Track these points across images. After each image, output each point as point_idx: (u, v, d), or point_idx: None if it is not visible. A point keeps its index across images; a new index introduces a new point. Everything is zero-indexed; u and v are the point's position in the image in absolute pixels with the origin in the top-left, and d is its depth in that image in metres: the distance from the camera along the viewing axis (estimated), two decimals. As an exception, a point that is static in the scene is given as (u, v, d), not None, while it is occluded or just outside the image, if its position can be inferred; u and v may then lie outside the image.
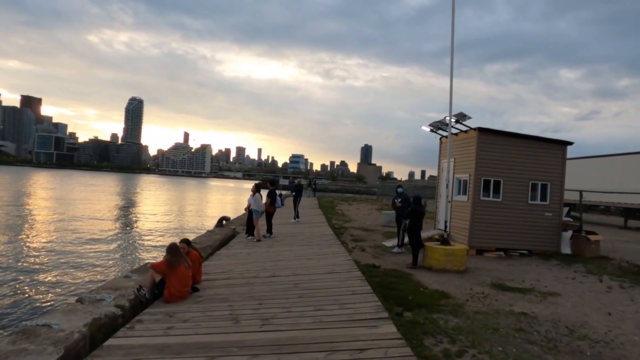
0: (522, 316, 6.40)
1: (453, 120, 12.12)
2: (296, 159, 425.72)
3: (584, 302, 7.49)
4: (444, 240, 10.04)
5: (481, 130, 12.04)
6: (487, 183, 12.11)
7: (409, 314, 6.17)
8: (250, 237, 13.20)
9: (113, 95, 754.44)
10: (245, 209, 13.65)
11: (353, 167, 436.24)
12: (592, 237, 12.13)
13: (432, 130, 14.13)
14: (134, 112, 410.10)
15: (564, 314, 6.64)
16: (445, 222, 10.38)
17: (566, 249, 12.40)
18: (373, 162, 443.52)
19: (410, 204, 12.07)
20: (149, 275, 6.50)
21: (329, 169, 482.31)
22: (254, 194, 12.88)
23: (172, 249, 6.59)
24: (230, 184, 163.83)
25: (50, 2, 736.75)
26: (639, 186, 23.38)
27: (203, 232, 15.12)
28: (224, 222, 15.99)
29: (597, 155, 26.12)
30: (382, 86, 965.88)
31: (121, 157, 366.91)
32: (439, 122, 13.01)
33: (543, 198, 12.33)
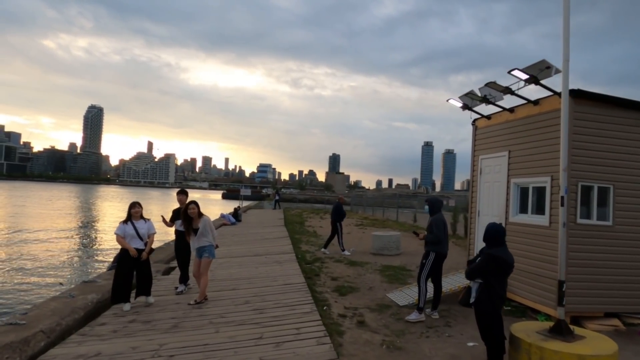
0: None
1: (523, 77, 6.55)
2: (264, 168, 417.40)
3: None
4: (560, 326, 4.33)
5: (578, 96, 6.51)
6: (586, 192, 6.60)
7: None
8: (149, 300, 7.05)
9: (71, 103, 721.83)
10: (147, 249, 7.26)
11: (321, 176, 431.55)
12: None
13: (465, 107, 8.54)
14: (93, 121, 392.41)
15: None
16: (561, 283, 4.61)
17: None
18: (341, 170, 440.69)
19: (444, 233, 6.48)
20: None
21: (297, 178, 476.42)
22: (196, 216, 7.00)
23: None
24: (196, 194, 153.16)
25: (0, 3, 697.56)
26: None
27: (80, 283, 8.81)
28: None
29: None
30: (350, 95, 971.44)
31: (79, 168, 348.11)
32: (490, 85, 7.30)
33: (679, 218, 6.91)
